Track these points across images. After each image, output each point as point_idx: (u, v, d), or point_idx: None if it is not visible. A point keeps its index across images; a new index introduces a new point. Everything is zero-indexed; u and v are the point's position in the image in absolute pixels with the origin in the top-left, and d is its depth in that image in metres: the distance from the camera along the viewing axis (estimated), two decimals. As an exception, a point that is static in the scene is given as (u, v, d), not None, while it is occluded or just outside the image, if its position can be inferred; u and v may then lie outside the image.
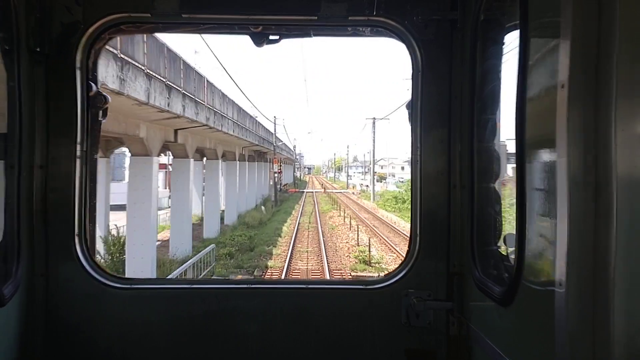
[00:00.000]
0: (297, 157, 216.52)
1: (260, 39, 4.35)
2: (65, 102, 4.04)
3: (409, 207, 5.27)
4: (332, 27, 4.35)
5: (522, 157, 2.84)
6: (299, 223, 57.59)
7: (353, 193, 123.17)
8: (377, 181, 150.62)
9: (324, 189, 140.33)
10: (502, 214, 3.89)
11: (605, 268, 2.22)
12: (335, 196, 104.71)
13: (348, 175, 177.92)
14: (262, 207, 69.35)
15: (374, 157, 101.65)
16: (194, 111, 31.20)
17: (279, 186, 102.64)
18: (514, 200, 2.92)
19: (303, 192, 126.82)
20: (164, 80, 25.37)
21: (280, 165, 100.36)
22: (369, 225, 54.23)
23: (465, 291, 4.03)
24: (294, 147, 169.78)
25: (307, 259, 37.11)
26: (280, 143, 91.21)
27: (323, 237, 46.48)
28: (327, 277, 30.09)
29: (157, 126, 30.97)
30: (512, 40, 3.36)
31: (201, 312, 4.24)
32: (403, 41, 4.22)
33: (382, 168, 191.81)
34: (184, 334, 4.20)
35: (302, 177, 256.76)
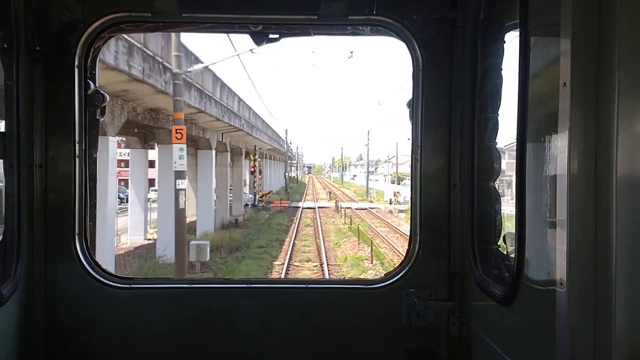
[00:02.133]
0: (293, 153, 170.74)
1: (260, 38, 4.36)
2: (64, 101, 4.03)
3: None
4: (332, 26, 4.36)
5: (522, 156, 2.85)
6: None
7: (391, 212, 63.91)
8: (392, 182, 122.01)
9: (335, 202, 74.43)
10: (503, 213, 3.90)
11: (606, 267, 2.22)
12: (367, 225, 47.93)
13: (368, 175, 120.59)
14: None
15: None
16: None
17: (254, 197, 64.75)
18: (514, 199, 2.93)
19: (298, 207, 67.99)
20: None
21: (255, 160, 64.44)
22: None
23: (466, 291, 4.02)
24: (286, 133, 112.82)
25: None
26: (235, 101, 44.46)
27: None
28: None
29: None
30: (512, 39, 3.34)
31: (201, 312, 4.23)
32: (403, 40, 4.22)
33: (394, 166, 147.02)
34: (184, 333, 4.19)
35: (301, 177, 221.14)
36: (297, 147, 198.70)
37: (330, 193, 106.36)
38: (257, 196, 67.61)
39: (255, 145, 66.88)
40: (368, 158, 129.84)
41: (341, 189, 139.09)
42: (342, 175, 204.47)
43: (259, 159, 71.58)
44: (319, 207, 69.00)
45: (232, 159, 62.65)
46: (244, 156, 66.91)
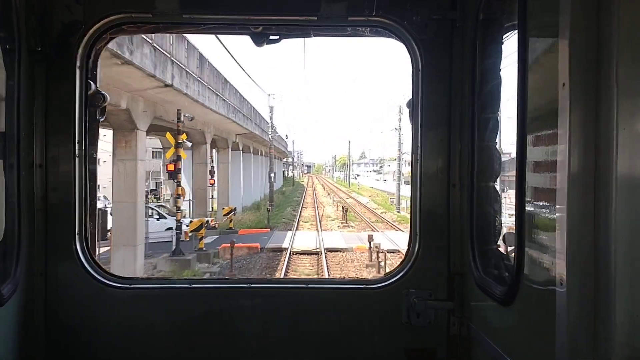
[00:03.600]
0: (288, 149, 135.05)
1: (260, 39, 4.37)
2: (64, 101, 4.05)
3: None
4: (331, 27, 4.37)
5: (522, 156, 2.85)
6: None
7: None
8: (407, 183, 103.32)
9: (370, 242, 30.83)
10: (502, 213, 3.91)
11: (605, 267, 2.23)
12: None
13: (400, 178, 70.73)
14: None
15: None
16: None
17: (176, 230, 29.63)
18: (514, 199, 2.94)
19: (281, 252, 32.44)
20: None
21: (182, 142, 31.82)
22: None
23: (466, 291, 4.04)
24: (271, 111, 71.30)
25: None
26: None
27: None
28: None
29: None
30: (512, 40, 3.35)
31: (201, 312, 4.25)
32: (402, 41, 4.23)
33: (408, 165, 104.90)
34: (184, 333, 4.21)
35: (299, 177, 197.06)
36: (292, 141, 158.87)
37: (345, 210, 57.02)
38: (189, 229, 33.06)
39: (179, 111, 31.74)
40: (400, 149, 72.37)
41: (352, 194, 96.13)
42: (349, 175, 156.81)
43: (189, 142, 37.00)
44: (327, 250, 33.80)
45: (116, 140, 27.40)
46: (143, 132, 29.16)
